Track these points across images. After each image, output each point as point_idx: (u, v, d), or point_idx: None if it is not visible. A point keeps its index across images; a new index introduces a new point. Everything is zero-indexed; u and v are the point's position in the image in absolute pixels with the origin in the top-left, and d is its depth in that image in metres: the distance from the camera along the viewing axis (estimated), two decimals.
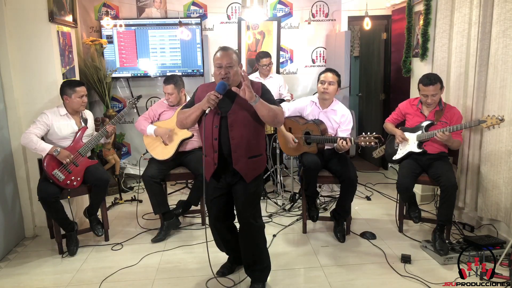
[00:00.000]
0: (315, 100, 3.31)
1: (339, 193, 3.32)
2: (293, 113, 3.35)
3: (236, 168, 2.36)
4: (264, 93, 2.40)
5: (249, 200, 2.46)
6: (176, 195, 4.43)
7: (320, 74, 3.26)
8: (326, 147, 3.24)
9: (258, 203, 2.55)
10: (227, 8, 4.84)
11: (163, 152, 3.38)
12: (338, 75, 3.22)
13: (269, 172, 4.42)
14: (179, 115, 2.47)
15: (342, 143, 2.98)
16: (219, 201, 2.53)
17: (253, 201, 2.48)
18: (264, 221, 2.65)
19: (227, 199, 2.52)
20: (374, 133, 2.93)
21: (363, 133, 2.96)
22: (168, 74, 4.67)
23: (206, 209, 3.72)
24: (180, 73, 4.67)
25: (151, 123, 3.47)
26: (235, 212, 2.57)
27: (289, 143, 3.29)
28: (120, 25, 4.56)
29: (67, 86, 3.08)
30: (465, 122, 3.03)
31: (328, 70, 3.25)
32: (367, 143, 2.91)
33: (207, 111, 2.26)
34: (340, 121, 3.23)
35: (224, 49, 2.35)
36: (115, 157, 4.31)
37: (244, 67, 4.79)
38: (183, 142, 3.39)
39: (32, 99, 3.31)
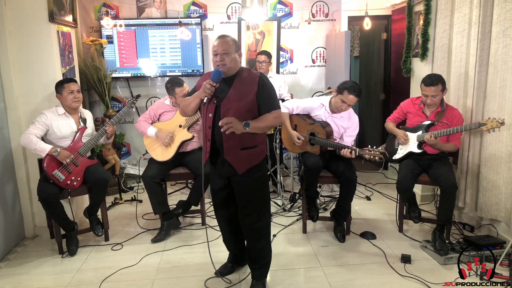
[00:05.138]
0: (325, 104, 3.25)
1: (339, 193, 3.32)
2: (301, 112, 3.33)
3: (227, 159, 2.34)
4: (261, 89, 2.29)
5: (249, 196, 2.43)
6: (176, 195, 4.43)
7: (345, 89, 3.04)
8: (328, 148, 3.22)
9: (262, 200, 2.48)
10: (227, 8, 4.84)
11: (163, 154, 3.38)
12: (360, 96, 3.10)
13: (269, 172, 4.41)
14: (181, 103, 2.49)
15: (346, 153, 2.94)
16: (222, 193, 2.54)
17: (252, 197, 2.44)
18: None
19: (230, 191, 2.51)
20: (380, 148, 2.84)
21: (369, 146, 2.89)
22: (168, 74, 4.70)
23: (206, 209, 3.76)
24: (180, 73, 4.67)
25: (152, 123, 3.47)
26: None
27: (294, 141, 3.28)
28: (120, 25, 4.56)
29: (58, 84, 3.11)
30: (465, 125, 3.02)
31: (356, 93, 3.03)
32: (371, 156, 2.84)
33: (205, 100, 2.26)
34: (348, 126, 3.21)
35: (221, 36, 2.34)
36: (115, 157, 4.31)
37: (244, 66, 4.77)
38: (183, 143, 3.39)
39: (32, 99, 3.31)
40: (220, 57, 2.27)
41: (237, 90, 2.30)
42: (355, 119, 3.25)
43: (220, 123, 2.18)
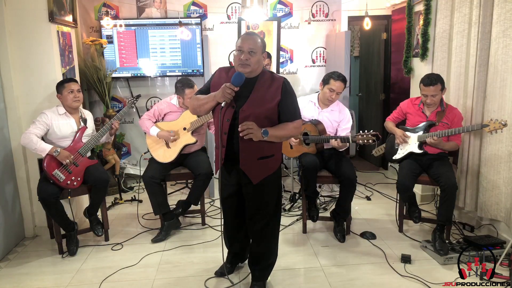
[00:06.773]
0: (314, 100, 3.32)
1: (339, 193, 3.32)
2: None
3: (242, 169, 2.26)
4: (283, 97, 2.21)
5: (261, 203, 2.37)
6: (176, 195, 4.43)
7: (330, 78, 3.17)
8: (325, 147, 3.24)
9: (273, 205, 2.42)
10: (227, 8, 4.84)
11: (165, 155, 3.36)
12: (346, 83, 3.22)
13: None
14: (192, 101, 2.34)
15: (339, 142, 3.00)
16: (232, 201, 2.47)
17: (265, 204, 2.38)
18: None
19: (239, 199, 2.45)
20: (372, 130, 2.93)
21: (361, 131, 2.97)
22: (168, 74, 4.70)
23: (206, 209, 3.75)
24: (180, 73, 4.67)
25: (156, 122, 3.44)
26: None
27: (290, 142, 3.29)
28: (120, 25, 4.56)
29: (58, 84, 3.11)
30: (467, 126, 3.02)
31: (341, 79, 3.16)
32: (365, 140, 2.91)
33: (222, 105, 2.14)
34: (340, 119, 3.24)
35: (249, 33, 2.21)
36: (115, 157, 4.30)
37: None
38: (185, 146, 3.38)
39: (32, 99, 3.31)
40: (245, 55, 2.13)
41: (258, 95, 2.18)
42: (346, 112, 3.30)
43: (240, 128, 2.10)
